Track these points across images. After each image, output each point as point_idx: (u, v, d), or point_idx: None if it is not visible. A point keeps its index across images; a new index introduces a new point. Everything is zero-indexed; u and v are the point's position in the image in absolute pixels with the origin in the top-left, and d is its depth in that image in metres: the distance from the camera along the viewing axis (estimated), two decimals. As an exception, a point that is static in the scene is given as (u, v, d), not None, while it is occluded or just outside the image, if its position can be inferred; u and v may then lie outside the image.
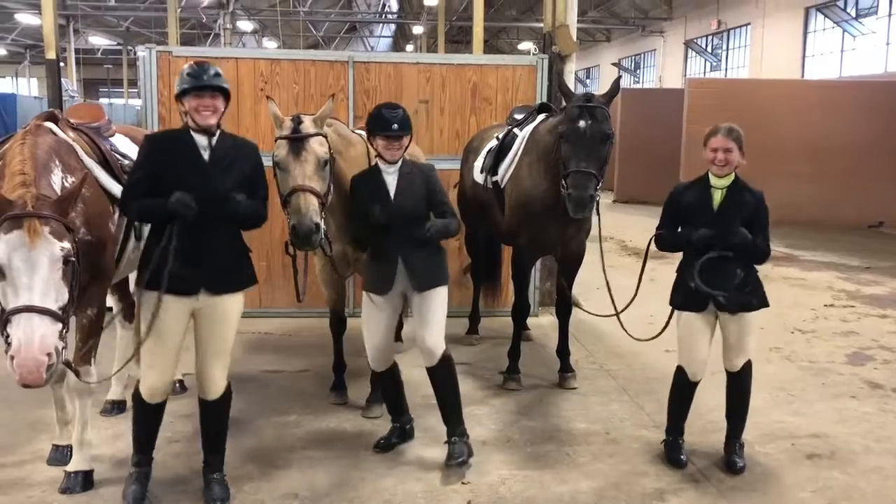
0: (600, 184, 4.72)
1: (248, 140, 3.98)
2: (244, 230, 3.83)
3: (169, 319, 3.60)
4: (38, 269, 3.12)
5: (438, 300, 4.26)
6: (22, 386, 3.10)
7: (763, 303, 4.21)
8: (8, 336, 3.09)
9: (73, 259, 3.27)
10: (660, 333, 4.43)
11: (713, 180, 4.13)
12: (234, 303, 3.76)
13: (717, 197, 4.12)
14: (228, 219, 3.65)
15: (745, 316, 4.17)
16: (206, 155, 3.64)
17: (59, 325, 3.17)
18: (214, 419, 3.89)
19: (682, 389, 4.36)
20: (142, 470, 3.81)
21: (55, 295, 3.18)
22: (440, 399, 4.36)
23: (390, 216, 4.13)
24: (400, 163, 4.23)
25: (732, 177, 4.12)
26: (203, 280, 3.62)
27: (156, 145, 3.74)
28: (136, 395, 3.73)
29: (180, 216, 3.49)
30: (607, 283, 4.89)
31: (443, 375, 4.32)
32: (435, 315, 4.26)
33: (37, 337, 3.05)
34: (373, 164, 4.85)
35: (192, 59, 7.01)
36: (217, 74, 3.64)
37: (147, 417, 3.78)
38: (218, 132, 3.69)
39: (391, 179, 4.21)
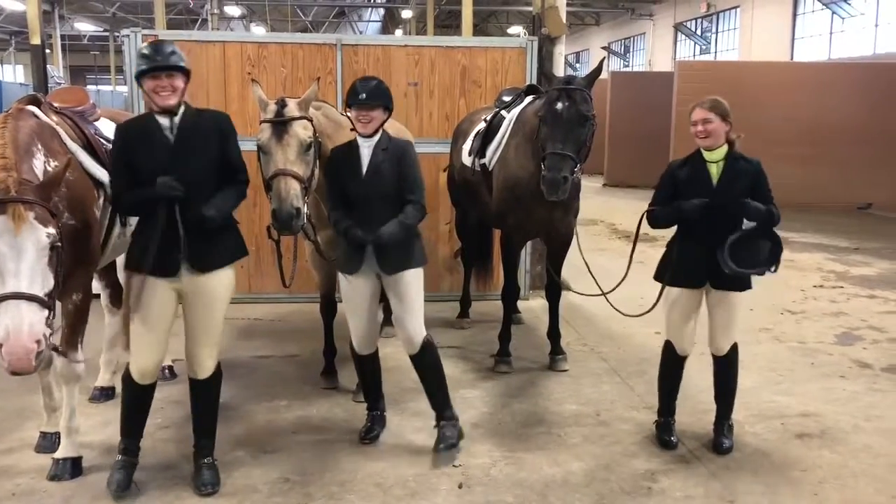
0: (578, 166, 4.70)
1: (217, 112, 3.91)
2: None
3: (155, 301, 3.58)
4: (25, 256, 3.09)
5: (412, 284, 4.16)
6: (11, 374, 3.08)
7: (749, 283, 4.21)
8: None
9: (59, 244, 3.23)
10: (649, 310, 4.42)
11: (706, 154, 4.10)
12: (220, 282, 3.71)
13: (714, 171, 4.09)
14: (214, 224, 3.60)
15: (737, 295, 4.16)
16: (171, 137, 3.57)
17: (46, 312, 3.14)
18: (204, 399, 3.86)
19: (671, 365, 4.37)
20: (128, 459, 3.77)
21: (42, 281, 3.15)
22: (426, 385, 4.33)
23: (359, 192, 4.07)
24: (377, 138, 4.13)
25: (725, 148, 4.10)
26: (183, 259, 3.56)
27: (123, 134, 3.67)
28: (126, 377, 3.71)
29: (168, 198, 3.46)
30: (586, 263, 4.89)
31: (426, 362, 4.26)
32: (409, 300, 4.16)
33: (25, 324, 3.03)
34: None
35: (178, 43, 7.02)
36: (173, 52, 3.55)
37: (136, 399, 3.76)
38: (181, 111, 3.61)
39: (366, 153, 4.12)
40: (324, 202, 4.57)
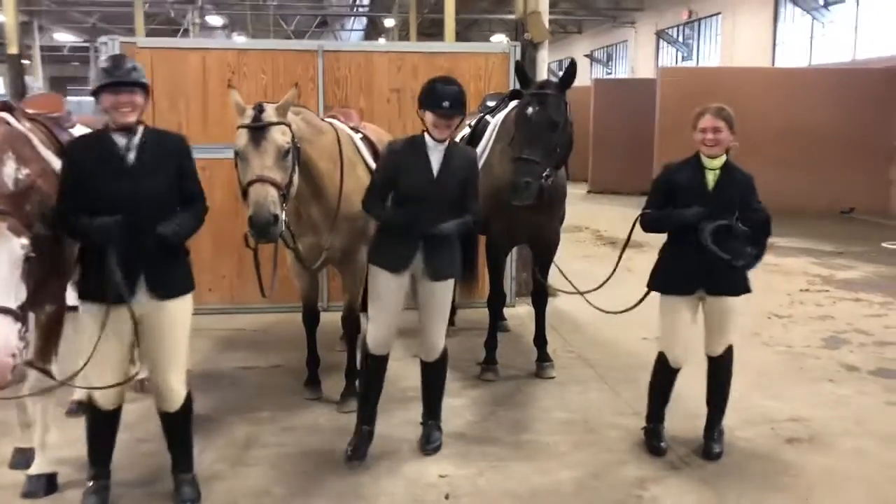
0: (548, 170, 4.66)
1: (176, 134, 3.74)
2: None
3: (113, 329, 3.39)
4: None
5: (448, 293, 4.18)
6: None
7: (748, 287, 4.16)
8: None
9: (32, 255, 3.13)
10: (632, 307, 4.36)
11: (706, 161, 4.06)
12: (180, 307, 3.55)
13: (711, 178, 4.05)
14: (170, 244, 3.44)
15: (731, 300, 4.11)
16: (129, 157, 3.41)
17: (20, 325, 3.04)
18: (177, 430, 3.72)
19: (664, 376, 4.31)
20: (100, 483, 3.63)
21: (15, 293, 3.04)
22: (428, 391, 4.34)
23: (426, 193, 3.99)
24: (448, 141, 4.08)
25: (724, 158, 4.06)
26: (142, 284, 3.42)
27: (75, 153, 3.50)
28: (90, 403, 3.57)
29: (105, 243, 3.30)
30: (559, 268, 4.84)
31: (437, 370, 4.32)
32: (443, 309, 4.18)
33: (1, 339, 2.93)
34: (349, 152, 4.74)
35: (157, 51, 6.95)
36: (134, 69, 3.40)
37: (102, 426, 3.61)
38: (140, 129, 3.47)
39: (436, 156, 4.04)
40: (306, 211, 4.50)
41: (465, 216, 4.12)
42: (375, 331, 4.17)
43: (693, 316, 4.18)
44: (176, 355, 3.58)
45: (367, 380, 4.35)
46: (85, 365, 3.40)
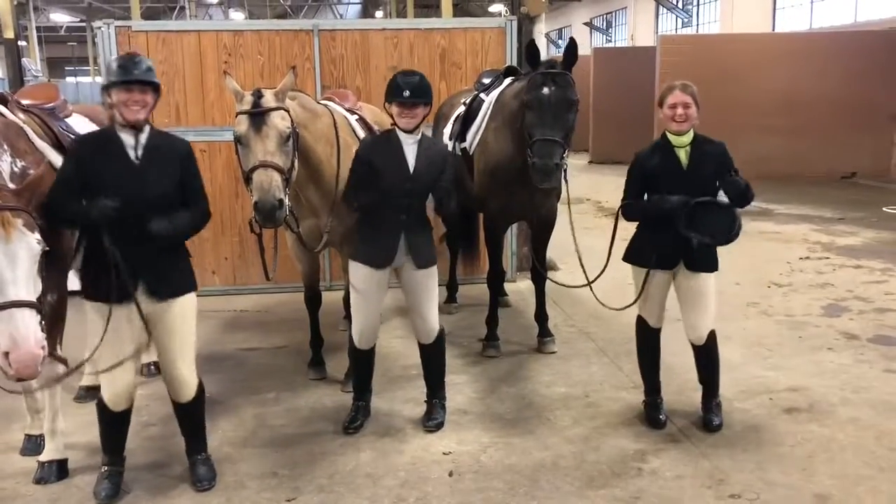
0: (566, 151, 4.66)
1: (180, 138, 3.74)
2: (185, 240, 3.67)
3: (120, 328, 3.46)
4: (19, 263, 3.06)
5: (435, 277, 4.27)
6: (16, 380, 3.12)
7: (717, 265, 4.20)
8: None
9: (47, 249, 3.20)
10: (632, 303, 4.40)
11: (674, 140, 4.08)
12: (184, 304, 3.61)
13: (683, 155, 4.07)
14: (163, 242, 3.46)
15: (706, 277, 4.15)
16: (134, 154, 3.44)
17: (39, 316, 3.13)
18: (190, 418, 3.81)
19: (647, 339, 4.38)
20: (114, 468, 3.73)
21: (33, 287, 3.13)
22: (429, 370, 4.45)
23: (403, 187, 4.05)
24: (420, 135, 4.14)
25: (692, 133, 4.08)
26: (144, 285, 3.47)
27: (81, 149, 3.52)
28: (100, 404, 3.64)
29: (100, 224, 3.34)
30: (579, 255, 4.86)
31: (437, 351, 4.42)
32: (433, 291, 4.28)
33: (31, 332, 3.03)
34: (345, 135, 4.75)
35: (152, 34, 6.94)
36: (149, 69, 3.43)
37: (113, 425, 3.69)
38: (147, 129, 3.50)
39: (410, 150, 4.10)
40: (304, 195, 4.52)
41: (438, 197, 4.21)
42: (359, 325, 4.27)
43: (668, 281, 4.22)
44: (184, 348, 3.65)
45: (356, 371, 4.50)
46: (94, 351, 3.47)
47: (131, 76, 3.37)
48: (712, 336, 4.25)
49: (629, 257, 4.31)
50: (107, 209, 3.30)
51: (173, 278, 3.58)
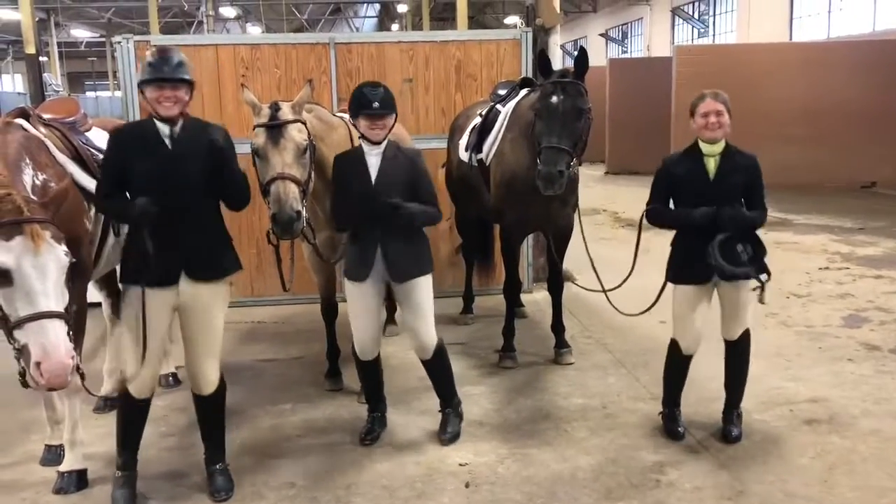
0: (574, 160, 4.66)
1: (216, 124, 3.82)
2: (234, 209, 3.78)
3: (151, 313, 3.54)
4: (49, 275, 3.12)
5: (422, 291, 4.17)
6: (48, 390, 3.19)
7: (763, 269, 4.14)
8: (16, 342, 3.09)
9: (74, 260, 3.26)
10: (651, 307, 4.38)
11: (705, 148, 4.05)
12: (216, 294, 3.68)
13: (712, 165, 4.04)
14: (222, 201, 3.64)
15: (745, 284, 4.10)
16: (169, 142, 3.54)
17: (67, 327, 3.18)
18: (210, 414, 3.85)
19: (677, 363, 4.32)
20: (128, 473, 3.76)
21: (62, 297, 3.18)
22: (435, 383, 4.42)
23: (370, 201, 4.01)
24: (384, 145, 4.11)
25: (723, 143, 4.05)
26: (182, 267, 3.55)
27: (119, 138, 3.65)
28: (124, 391, 3.69)
29: (141, 224, 3.47)
30: (591, 260, 4.85)
31: (438, 365, 4.36)
32: (421, 308, 4.19)
33: (61, 342, 3.08)
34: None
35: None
36: (180, 65, 3.51)
37: (133, 413, 3.74)
38: (181, 121, 3.57)
39: (374, 162, 4.09)
40: (320, 207, 4.55)
41: (428, 208, 4.13)
42: (356, 338, 4.29)
43: (707, 304, 4.18)
44: (211, 339, 3.71)
45: (363, 381, 4.53)
46: (145, 337, 3.54)
47: (163, 74, 3.45)
48: (746, 333, 4.22)
49: (678, 276, 4.20)
50: (148, 211, 3.41)
51: (211, 261, 3.65)
